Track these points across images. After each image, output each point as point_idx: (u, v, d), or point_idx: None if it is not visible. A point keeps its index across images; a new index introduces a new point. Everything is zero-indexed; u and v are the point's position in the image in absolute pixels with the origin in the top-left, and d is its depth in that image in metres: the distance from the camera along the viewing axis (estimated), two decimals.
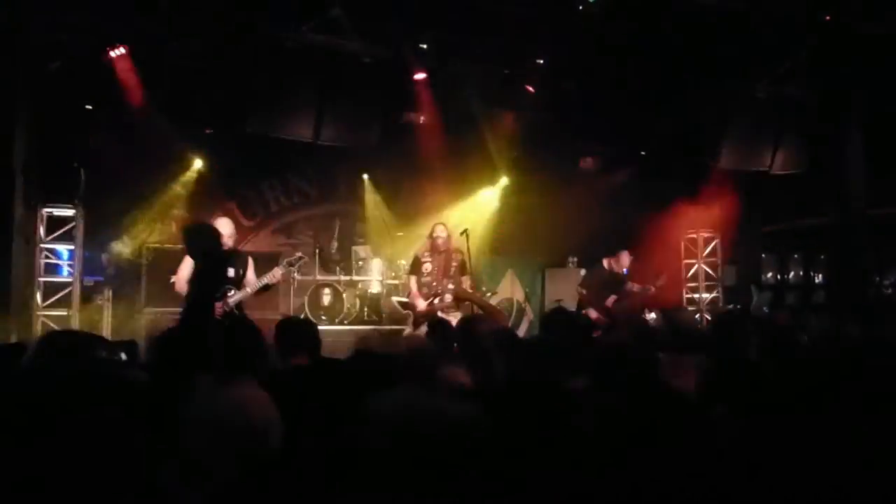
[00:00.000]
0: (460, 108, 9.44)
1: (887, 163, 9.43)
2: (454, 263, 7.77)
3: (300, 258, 7.19)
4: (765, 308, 11.78)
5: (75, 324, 8.36)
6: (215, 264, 2.41)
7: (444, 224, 8.00)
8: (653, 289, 9.51)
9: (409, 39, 8.21)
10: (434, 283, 7.72)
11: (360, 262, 10.11)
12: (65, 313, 8.43)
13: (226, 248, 6.82)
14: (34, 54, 7.63)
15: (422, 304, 7.68)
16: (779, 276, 13.84)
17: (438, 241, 7.76)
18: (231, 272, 6.77)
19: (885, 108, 8.84)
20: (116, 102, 8.25)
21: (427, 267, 7.82)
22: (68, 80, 7.96)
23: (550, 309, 8.41)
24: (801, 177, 9.71)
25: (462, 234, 7.91)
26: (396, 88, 8.84)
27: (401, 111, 9.89)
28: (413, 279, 7.90)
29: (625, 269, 9.37)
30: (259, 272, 6.95)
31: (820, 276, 13.94)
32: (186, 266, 6.79)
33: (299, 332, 4.00)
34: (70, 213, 8.60)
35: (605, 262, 9.37)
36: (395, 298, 9.51)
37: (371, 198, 11.15)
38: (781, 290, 13.46)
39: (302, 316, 8.68)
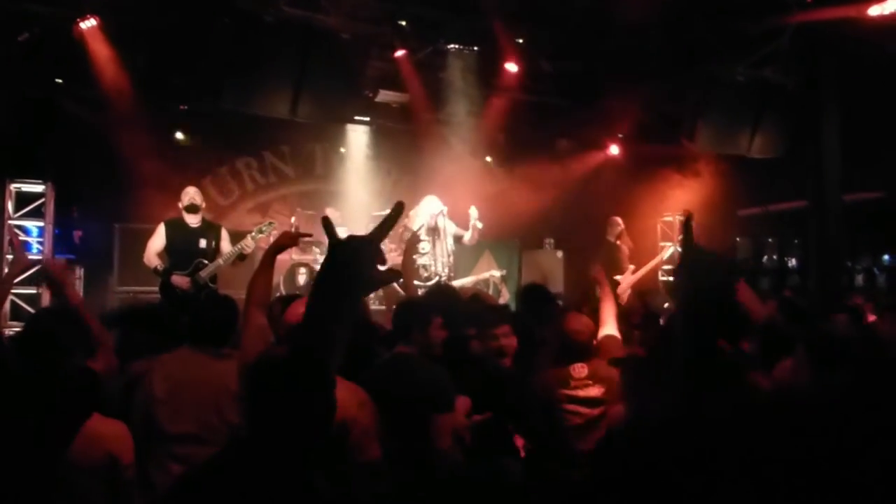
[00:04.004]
0: (440, 87, 9.34)
1: (864, 148, 9.49)
2: (450, 240, 7.30)
3: (270, 223, 7.12)
4: None
5: (44, 302, 8.20)
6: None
7: (436, 197, 7.40)
8: None
9: (388, 16, 8.07)
10: (431, 265, 7.29)
11: None
12: (34, 291, 8.26)
13: (198, 214, 6.76)
14: (2, 25, 7.41)
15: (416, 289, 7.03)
16: (753, 261, 13.92)
17: (437, 217, 7.27)
18: (203, 243, 6.69)
19: (862, 94, 8.87)
20: (88, 76, 8.03)
21: (424, 246, 7.33)
22: (38, 53, 7.75)
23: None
24: (778, 161, 9.75)
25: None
26: (375, 65, 8.71)
27: (378, 89, 9.77)
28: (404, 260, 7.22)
29: None
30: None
31: (794, 260, 14.06)
32: (157, 238, 6.70)
33: None
34: (40, 188, 8.40)
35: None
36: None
37: (348, 176, 11.04)
38: (756, 274, 13.55)
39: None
